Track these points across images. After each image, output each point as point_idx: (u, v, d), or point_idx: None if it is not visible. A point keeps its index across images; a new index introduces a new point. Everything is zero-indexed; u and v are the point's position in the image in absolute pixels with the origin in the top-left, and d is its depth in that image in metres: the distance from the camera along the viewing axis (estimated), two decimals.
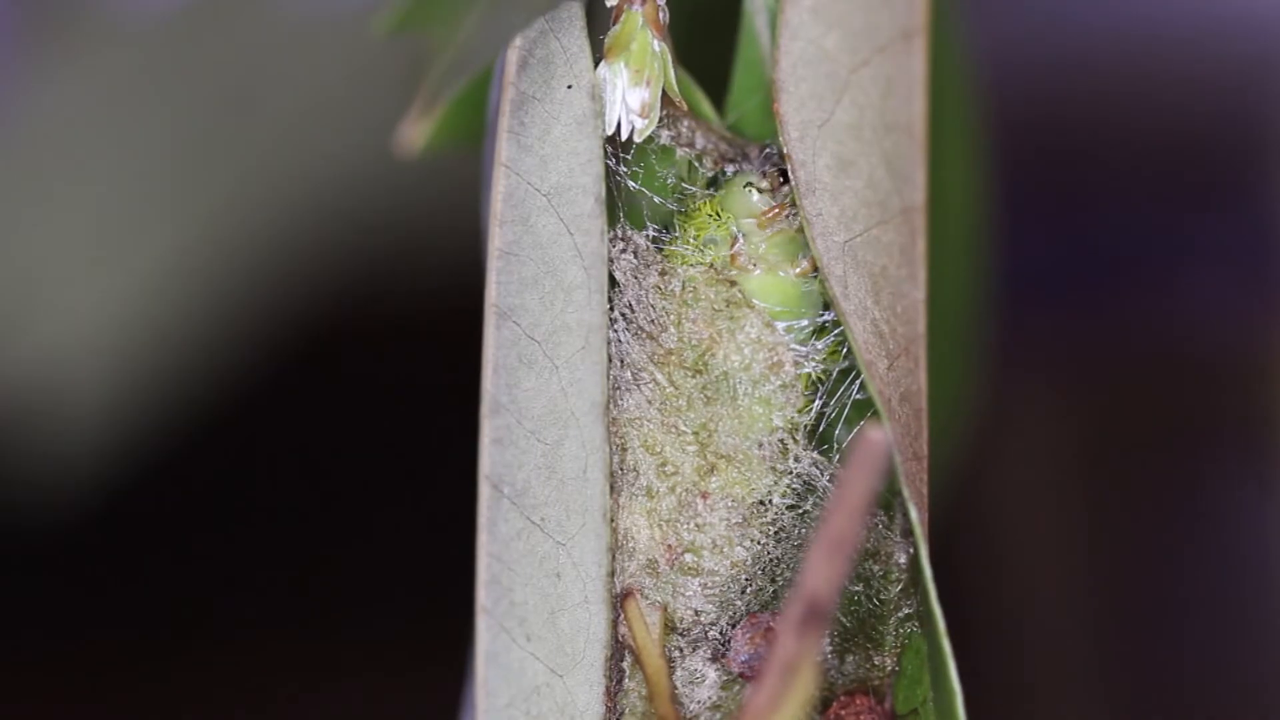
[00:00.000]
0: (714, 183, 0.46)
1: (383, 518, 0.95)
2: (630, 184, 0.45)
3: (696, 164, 0.46)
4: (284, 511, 0.95)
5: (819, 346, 0.45)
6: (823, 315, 0.45)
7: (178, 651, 0.93)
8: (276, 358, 0.89)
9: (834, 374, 0.45)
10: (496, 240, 0.44)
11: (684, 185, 0.46)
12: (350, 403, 0.96)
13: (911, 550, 0.45)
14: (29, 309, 0.86)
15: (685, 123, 0.46)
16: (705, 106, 0.47)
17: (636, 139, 0.45)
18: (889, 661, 0.45)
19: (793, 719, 0.37)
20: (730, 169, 0.46)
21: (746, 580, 0.45)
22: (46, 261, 0.86)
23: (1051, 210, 0.96)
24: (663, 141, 0.46)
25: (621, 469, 0.44)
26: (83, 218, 0.86)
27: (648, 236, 0.45)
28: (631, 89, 0.45)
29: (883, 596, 0.45)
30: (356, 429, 0.96)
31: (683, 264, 0.45)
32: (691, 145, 0.46)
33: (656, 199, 0.46)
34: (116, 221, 0.86)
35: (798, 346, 0.45)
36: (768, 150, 0.46)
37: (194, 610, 0.94)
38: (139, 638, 0.93)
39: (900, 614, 0.45)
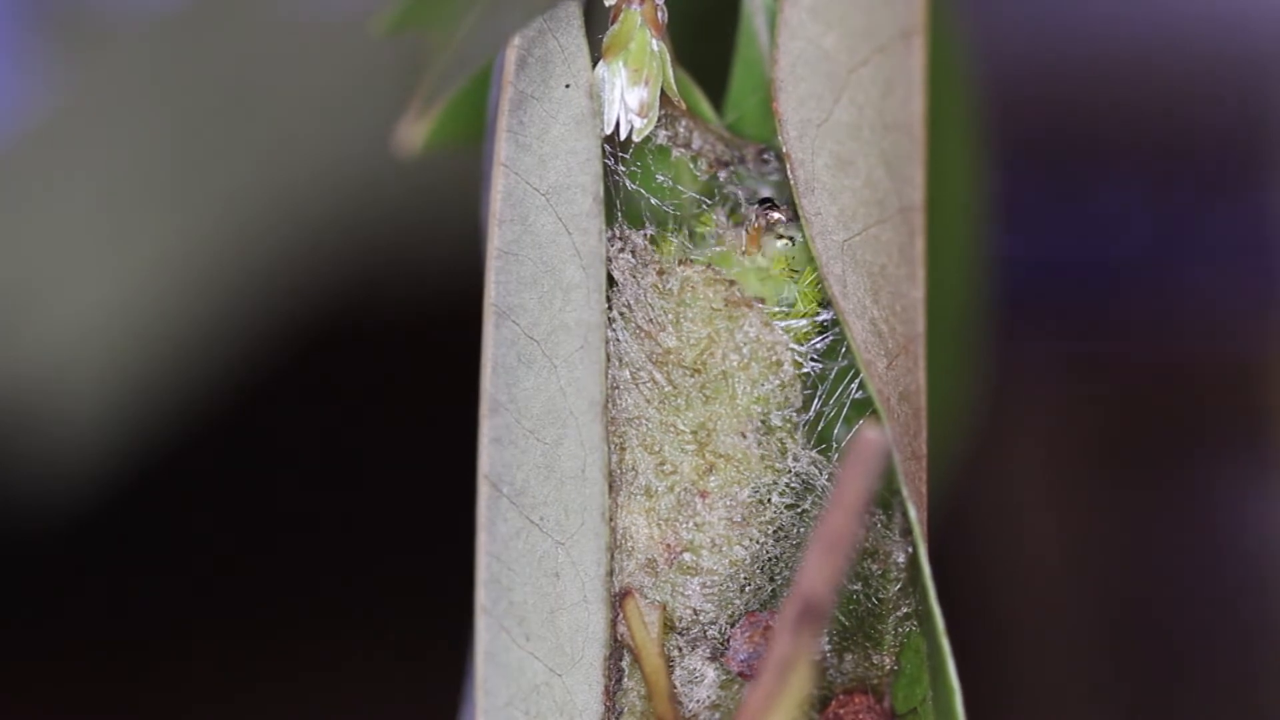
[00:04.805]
0: (710, 186, 0.46)
1: (381, 517, 0.95)
2: (628, 184, 0.45)
3: (692, 165, 0.46)
4: (283, 511, 0.95)
5: (818, 345, 0.45)
6: (821, 314, 0.45)
7: (177, 652, 0.93)
8: (275, 357, 0.89)
9: (833, 373, 0.45)
10: (495, 240, 0.44)
11: (679, 188, 0.46)
12: (349, 402, 0.96)
13: (910, 549, 0.45)
14: (29, 309, 0.86)
15: (683, 123, 0.46)
16: (704, 106, 0.47)
17: (635, 138, 0.45)
18: (888, 660, 0.45)
19: (790, 718, 0.37)
20: (724, 174, 0.46)
21: (745, 579, 0.45)
22: (46, 261, 0.86)
23: (1051, 209, 0.96)
24: (660, 141, 0.46)
25: (620, 468, 0.44)
26: (82, 218, 0.86)
27: (646, 236, 0.45)
28: (630, 88, 0.45)
29: (881, 595, 0.45)
30: (355, 428, 0.96)
31: (672, 260, 0.45)
32: (688, 146, 0.46)
33: (654, 200, 0.46)
34: (116, 221, 0.86)
35: (796, 346, 0.45)
36: (764, 154, 0.46)
37: (193, 610, 0.94)
38: (138, 638, 0.94)
39: (899, 613, 0.45)
